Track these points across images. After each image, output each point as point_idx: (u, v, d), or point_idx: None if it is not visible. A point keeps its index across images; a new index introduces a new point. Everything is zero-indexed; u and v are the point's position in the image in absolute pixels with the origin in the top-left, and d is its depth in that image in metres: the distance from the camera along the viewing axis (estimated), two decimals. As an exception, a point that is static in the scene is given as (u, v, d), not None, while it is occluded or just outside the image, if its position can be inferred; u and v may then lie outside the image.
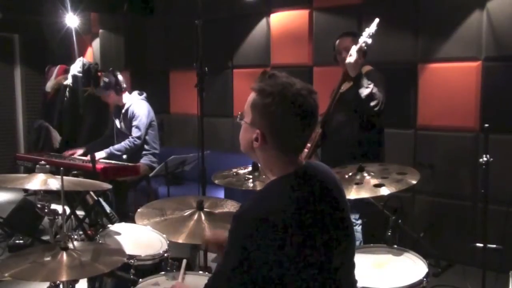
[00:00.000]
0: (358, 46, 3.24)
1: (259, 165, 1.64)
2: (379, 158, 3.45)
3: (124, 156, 4.59)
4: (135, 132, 4.53)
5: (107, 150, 4.46)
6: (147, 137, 4.64)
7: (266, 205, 1.46)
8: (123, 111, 4.63)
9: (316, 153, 3.65)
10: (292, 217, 1.43)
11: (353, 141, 3.47)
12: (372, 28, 3.22)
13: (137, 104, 4.60)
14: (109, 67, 5.11)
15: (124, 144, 4.50)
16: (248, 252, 1.41)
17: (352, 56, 3.25)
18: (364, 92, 3.25)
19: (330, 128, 3.55)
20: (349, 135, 3.47)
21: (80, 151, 4.65)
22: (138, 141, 4.53)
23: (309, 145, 3.66)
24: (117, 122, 4.76)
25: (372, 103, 3.27)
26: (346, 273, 1.61)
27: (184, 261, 2.23)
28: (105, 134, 5.09)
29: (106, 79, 4.57)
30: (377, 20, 3.21)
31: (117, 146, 4.50)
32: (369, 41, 3.23)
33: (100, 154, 4.40)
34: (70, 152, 4.67)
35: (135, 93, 4.72)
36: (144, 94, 4.75)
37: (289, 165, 1.54)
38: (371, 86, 3.27)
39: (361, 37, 3.25)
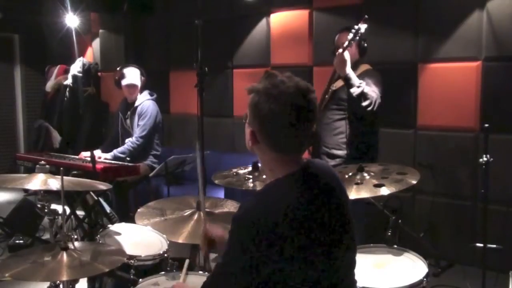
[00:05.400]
0: (346, 42, 3.23)
1: (260, 164, 1.64)
2: (371, 158, 3.45)
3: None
4: (139, 132, 4.52)
5: (111, 153, 4.46)
6: (151, 138, 4.64)
7: (267, 206, 1.45)
8: (132, 108, 4.62)
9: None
10: (293, 217, 1.43)
11: (343, 139, 3.47)
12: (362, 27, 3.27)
13: (148, 104, 4.59)
14: (109, 67, 5.11)
15: (128, 146, 4.50)
16: (249, 254, 1.40)
17: (339, 53, 3.24)
18: (355, 91, 3.23)
19: (322, 125, 3.55)
20: (342, 132, 3.47)
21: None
22: (141, 141, 4.51)
23: None
24: (123, 119, 4.75)
25: (365, 103, 3.25)
26: (347, 272, 1.61)
27: (187, 261, 2.23)
28: (111, 136, 4.99)
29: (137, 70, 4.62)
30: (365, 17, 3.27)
31: (120, 149, 4.49)
32: (362, 27, 3.24)
33: (105, 156, 4.42)
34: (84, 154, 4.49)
35: (146, 92, 4.70)
36: (155, 95, 4.74)
37: (290, 165, 1.53)
38: (363, 85, 3.25)
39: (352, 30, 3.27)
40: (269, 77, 1.52)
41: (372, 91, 3.29)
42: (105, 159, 4.41)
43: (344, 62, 3.22)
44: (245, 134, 1.61)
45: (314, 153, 3.61)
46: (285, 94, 1.46)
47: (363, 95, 3.23)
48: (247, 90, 1.54)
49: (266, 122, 1.50)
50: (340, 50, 3.25)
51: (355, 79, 3.25)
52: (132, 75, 4.60)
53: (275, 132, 1.50)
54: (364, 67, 3.53)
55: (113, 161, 4.38)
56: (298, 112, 1.47)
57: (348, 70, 3.26)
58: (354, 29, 3.27)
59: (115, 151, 4.47)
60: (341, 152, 3.45)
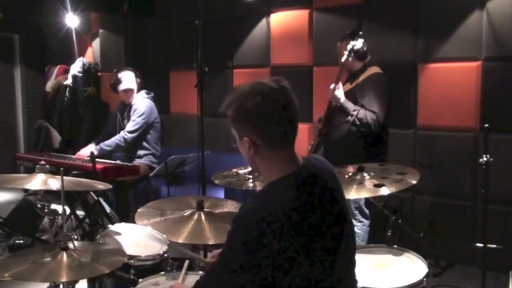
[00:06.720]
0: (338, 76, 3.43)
1: (262, 176, 1.66)
2: (381, 157, 3.45)
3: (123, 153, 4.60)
4: (130, 127, 4.53)
5: (97, 147, 4.45)
6: (148, 136, 4.65)
7: (266, 207, 1.45)
8: (128, 108, 4.66)
9: (319, 152, 3.67)
10: (293, 218, 1.43)
11: (354, 140, 3.47)
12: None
13: (141, 102, 4.64)
14: (109, 67, 5.11)
15: (114, 139, 4.51)
16: (249, 254, 1.40)
17: (331, 89, 3.43)
18: (350, 119, 3.40)
19: (331, 126, 3.57)
20: (350, 134, 3.47)
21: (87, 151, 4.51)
22: (129, 136, 4.51)
23: (309, 146, 3.68)
24: (120, 119, 4.77)
25: (365, 127, 3.40)
26: (347, 271, 1.61)
27: (186, 262, 2.23)
28: (105, 131, 5.00)
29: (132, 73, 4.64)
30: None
31: (107, 142, 4.49)
32: (358, 44, 3.44)
33: (91, 149, 4.37)
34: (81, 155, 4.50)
35: (143, 92, 4.75)
36: (152, 94, 4.77)
37: (288, 165, 1.54)
38: (356, 112, 3.38)
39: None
40: (232, 91, 1.58)
41: (370, 112, 3.37)
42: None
43: (336, 97, 3.43)
44: (242, 152, 1.62)
45: (324, 155, 3.63)
46: (254, 88, 1.52)
47: (359, 121, 3.38)
48: (223, 109, 1.58)
49: (253, 120, 1.52)
50: (332, 86, 3.42)
51: (350, 107, 3.42)
52: (127, 80, 4.63)
53: (265, 125, 1.51)
54: (372, 70, 3.55)
55: (112, 161, 4.38)
56: (277, 99, 1.51)
57: (342, 100, 3.44)
58: (350, 45, 3.39)
59: (102, 144, 4.48)
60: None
